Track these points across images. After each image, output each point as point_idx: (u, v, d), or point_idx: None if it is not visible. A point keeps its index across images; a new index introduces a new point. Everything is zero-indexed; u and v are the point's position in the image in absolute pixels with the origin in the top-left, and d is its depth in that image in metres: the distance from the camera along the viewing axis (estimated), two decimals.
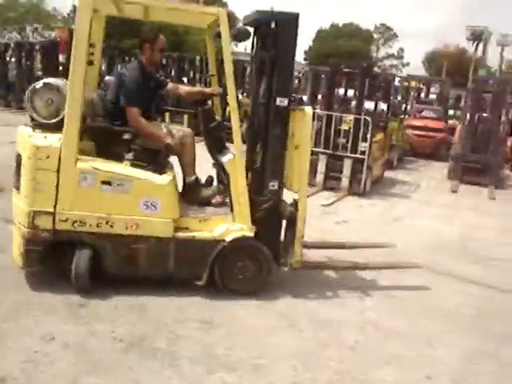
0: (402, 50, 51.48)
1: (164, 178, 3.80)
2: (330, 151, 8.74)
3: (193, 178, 4.18)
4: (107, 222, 3.69)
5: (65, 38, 15.09)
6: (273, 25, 3.69)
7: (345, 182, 8.59)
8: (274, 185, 3.90)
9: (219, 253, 3.89)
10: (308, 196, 5.84)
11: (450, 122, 15.69)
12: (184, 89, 4.71)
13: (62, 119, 3.60)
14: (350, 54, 43.20)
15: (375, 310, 4.10)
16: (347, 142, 8.68)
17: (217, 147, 4.16)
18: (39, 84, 3.83)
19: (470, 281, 5.00)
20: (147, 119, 3.99)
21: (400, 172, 11.74)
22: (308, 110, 3.95)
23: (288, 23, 3.70)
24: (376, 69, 48.11)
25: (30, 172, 3.59)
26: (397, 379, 3.18)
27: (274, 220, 4.04)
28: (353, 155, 8.51)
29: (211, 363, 3.10)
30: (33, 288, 3.80)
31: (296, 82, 15.08)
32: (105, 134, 3.92)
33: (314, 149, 8.53)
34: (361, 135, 8.45)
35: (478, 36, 31.63)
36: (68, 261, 3.67)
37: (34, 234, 3.62)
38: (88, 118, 3.92)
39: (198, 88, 4.79)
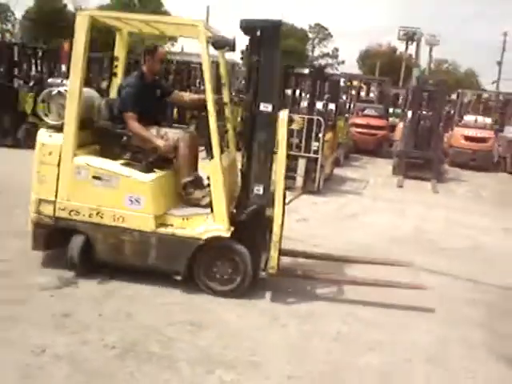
0: (336, 49, 53.02)
1: (148, 177, 4.03)
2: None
3: (187, 179, 4.27)
4: (97, 213, 4.04)
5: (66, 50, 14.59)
6: (258, 32, 3.79)
7: (299, 180, 8.80)
8: (258, 189, 3.97)
9: (196, 250, 4.05)
10: None
11: (390, 119, 16.39)
12: (188, 96, 5.01)
13: None
14: (286, 54, 43.87)
15: (354, 301, 4.28)
16: (300, 141, 8.91)
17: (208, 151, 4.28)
18: (54, 91, 4.36)
19: (430, 270, 5.31)
20: (150, 124, 4.28)
21: (348, 169, 12.15)
22: (283, 114, 4.03)
23: (270, 30, 3.82)
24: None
25: (36, 165, 4.14)
26: (381, 363, 3.38)
27: (256, 224, 4.08)
28: (306, 154, 8.75)
29: (208, 363, 3.16)
30: None
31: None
32: (107, 136, 4.31)
33: None
34: (313, 135, 8.70)
35: (410, 36, 33.14)
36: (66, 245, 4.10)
37: (39, 219, 4.13)
38: (95, 122, 4.39)
39: (198, 96, 4.94)
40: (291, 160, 8.83)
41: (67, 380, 2.87)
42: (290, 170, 8.87)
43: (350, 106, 14.44)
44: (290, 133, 8.97)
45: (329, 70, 44.32)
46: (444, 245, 6.41)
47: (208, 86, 3.92)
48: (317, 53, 53.64)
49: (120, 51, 4.84)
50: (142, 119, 4.25)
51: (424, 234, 6.97)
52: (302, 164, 8.76)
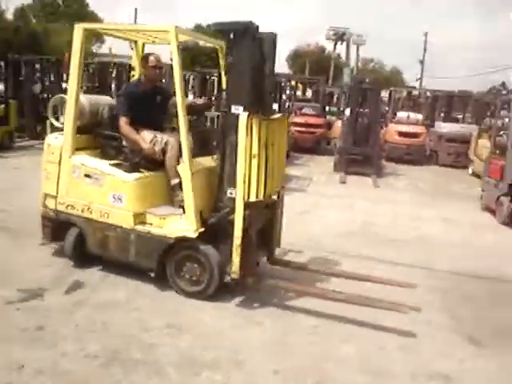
0: None
1: (130, 176, 4.25)
2: None
3: (175, 181, 4.28)
4: (88, 209, 4.38)
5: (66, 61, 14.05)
6: (231, 35, 3.82)
7: None
8: (231, 192, 3.96)
9: (166, 249, 4.17)
10: None
11: (327, 117, 16.86)
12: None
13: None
14: (216, 55, 43.86)
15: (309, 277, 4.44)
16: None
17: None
18: (64, 98, 4.80)
19: (385, 261, 5.57)
20: (149, 128, 4.44)
21: (290, 167, 12.35)
22: (242, 117, 3.86)
23: (240, 32, 3.82)
24: None
25: (44, 164, 4.63)
26: (358, 352, 3.53)
27: (228, 227, 4.04)
28: None
29: (193, 365, 3.18)
30: None
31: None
32: (104, 139, 4.62)
33: None
34: None
35: (339, 36, 34.18)
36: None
37: (45, 213, 4.62)
38: (97, 126, 4.71)
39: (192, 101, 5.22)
40: None
41: None
42: None
43: (289, 106, 14.70)
44: None
45: None
46: (392, 236, 6.71)
47: (178, 89, 3.94)
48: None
49: (135, 61, 5.19)
50: (140, 123, 4.42)
51: (371, 226, 7.25)
52: None
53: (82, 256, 4.52)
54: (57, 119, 4.96)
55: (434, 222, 7.77)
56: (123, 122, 4.39)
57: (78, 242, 4.48)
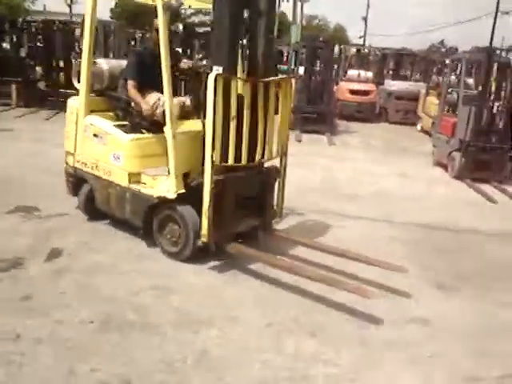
0: None
1: (127, 137, 4.39)
2: None
3: None
4: (96, 167, 4.63)
5: None
6: None
7: None
8: (212, 155, 3.92)
9: (149, 208, 4.30)
10: None
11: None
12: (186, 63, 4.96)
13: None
14: (156, 11, 42.29)
15: (296, 249, 4.57)
16: None
17: None
18: None
19: (348, 215, 5.79)
20: (157, 91, 4.34)
21: None
22: (211, 75, 3.72)
23: None
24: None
25: (66, 124, 4.91)
26: (345, 300, 3.72)
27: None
28: None
29: (190, 324, 3.26)
30: None
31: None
32: (114, 101, 4.78)
33: None
34: None
35: None
36: None
37: (67, 169, 4.98)
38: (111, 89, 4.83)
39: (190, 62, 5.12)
40: None
41: (58, 362, 2.80)
42: None
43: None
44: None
45: None
46: (352, 192, 6.93)
47: (163, 49, 3.87)
48: (190, 10, 52.36)
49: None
50: (148, 86, 4.44)
51: (332, 183, 7.43)
52: None
53: (93, 211, 4.85)
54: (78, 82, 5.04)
55: (389, 178, 8.09)
56: (130, 85, 4.48)
57: (89, 198, 4.81)
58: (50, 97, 11.98)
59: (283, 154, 4.56)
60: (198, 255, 4.17)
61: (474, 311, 3.82)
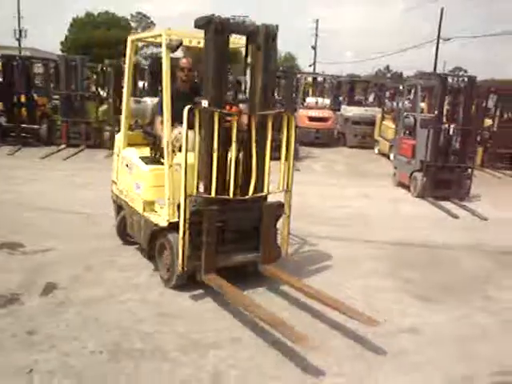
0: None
1: (146, 167, 4.67)
2: None
3: None
4: (127, 195, 5.04)
5: None
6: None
7: None
8: (201, 186, 4.03)
9: (152, 234, 4.55)
10: None
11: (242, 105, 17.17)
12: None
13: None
14: (110, 44, 42.44)
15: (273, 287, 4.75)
16: None
17: None
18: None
19: (326, 237, 6.05)
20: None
21: None
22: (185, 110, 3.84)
23: (205, 27, 3.90)
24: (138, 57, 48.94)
25: (113, 156, 5.48)
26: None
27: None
28: None
29: (197, 347, 3.37)
30: None
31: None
32: (147, 136, 5.09)
33: None
34: None
35: None
36: None
37: (112, 196, 5.47)
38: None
39: None
40: None
41: None
42: None
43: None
44: None
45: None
46: (327, 215, 7.23)
47: (165, 83, 4.15)
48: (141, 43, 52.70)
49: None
50: (176, 121, 4.27)
51: (306, 208, 7.67)
52: None
53: (125, 236, 5.28)
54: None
55: (358, 200, 8.45)
56: (157, 120, 4.77)
57: (123, 222, 5.21)
58: (11, 132, 11.83)
59: (287, 189, 4.43)
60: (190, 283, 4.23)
61: (456, 318, 4.10)
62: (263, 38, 4.09)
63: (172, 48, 4.01)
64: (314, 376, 3.14)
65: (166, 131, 4.16)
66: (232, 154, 4.11)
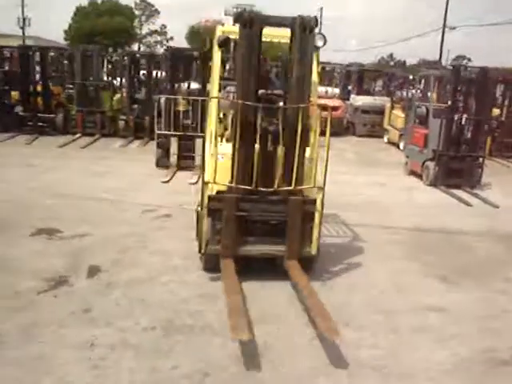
0: (164, 26, 52.57)
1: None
2: (181, 133, 9.20)
3: None
4: None
5: None
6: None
7: (198, 159, 9.22)
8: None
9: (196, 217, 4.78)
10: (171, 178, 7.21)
11: None
12: None
13: None
14: (114, 32, 42.44)
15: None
16: (192, 122, 9.31)
17: None
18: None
19: (347, 223, 6.30)
20: None
21: None
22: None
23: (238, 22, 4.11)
24: (142, 46, 48.94)
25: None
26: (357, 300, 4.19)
27: None
28: (201, 134, 9.15)
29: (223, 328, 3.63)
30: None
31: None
32: None
33: (164, 132, 9.07)
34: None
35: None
36: None
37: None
38: None
39: None
40: (187, 141, 9.31)
41: (138, 363, 3.12)
42: (188, 149, 9.35)
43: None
44: (177, 114, 9.35)
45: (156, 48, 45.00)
46: (344, 202, 7.44)
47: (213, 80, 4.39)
48: (145, 30, 52.66)
49: None
50: None
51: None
52: (199, 144, 9.16)
53: None
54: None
55: (371, 188, 8.67)
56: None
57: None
58: (28, 121, 12.03)
59: (319, 186, 4.27)
60: None
61: (476, 298, 4.37)
62: (298, 29, 4.10)
63: (220, 43, 4.21)
64: (353, 348, 3.41)
65: (209, 124, 4.34)
66: (256, 147, 4.14)
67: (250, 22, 4.06)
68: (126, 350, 3.24)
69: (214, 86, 4.39)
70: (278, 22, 4.30)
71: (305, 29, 4.09)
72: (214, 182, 4.20)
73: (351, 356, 3.31)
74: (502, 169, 11.40)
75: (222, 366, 3.13)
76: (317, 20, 4.18)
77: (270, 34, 4.39)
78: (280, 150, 4.23)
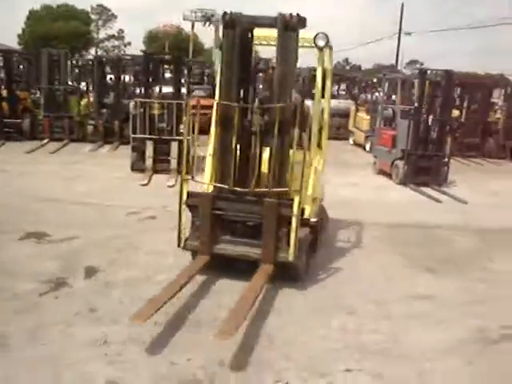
0: (122, 30, 52.08)
1: None
2: (155, 136, 9.21)
3: None
4: None
5: None
6: None
7: (174, 163, 9.26)
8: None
9: None
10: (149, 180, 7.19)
11: None
12: None
13: None
14: (69, 36, 41.67)
15: None
16: (167, 126, 9.35)
17: None
18: None
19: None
20: None
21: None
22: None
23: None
24: (99, 51, 48.14)
25: None
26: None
27: None
28: (177, 137, 9.21)
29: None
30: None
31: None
32: None
33: (140, 136, 9.06)
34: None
35: (208, 18, 34.76)
36: None
37: None
38: None
39: None
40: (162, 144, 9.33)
41: (155, 357, 3.20)
42: (164, 153, 9.37)
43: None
44: (152, 118, 9.36)
45: (113, 52, 44.25)
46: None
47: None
48: (102, 35, 51.91)
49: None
50: None
51: None
52: (175, 147, 9.22)
53: None
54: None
55: (344, 187, 8.90)
56: None
57: None
58: None
59: (294, 189, 4.13)
60: None
61: (460, 286, 4.65)
62: (281, 28, 4.07)
63: None
64: (354, 332, 3.60)
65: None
66: (232, 145, 4.22)
67: (232, 22, 4.14)
68: (139, 346, 3.30)
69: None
70: (261, 22, 4.29)
71: (287, 28, 4.05)
72: (192, 179, 4.35)
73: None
74: (463, 167, 11.96)
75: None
76: (301, 19, 4.08)
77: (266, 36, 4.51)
78: (258, 150, 4.32)
